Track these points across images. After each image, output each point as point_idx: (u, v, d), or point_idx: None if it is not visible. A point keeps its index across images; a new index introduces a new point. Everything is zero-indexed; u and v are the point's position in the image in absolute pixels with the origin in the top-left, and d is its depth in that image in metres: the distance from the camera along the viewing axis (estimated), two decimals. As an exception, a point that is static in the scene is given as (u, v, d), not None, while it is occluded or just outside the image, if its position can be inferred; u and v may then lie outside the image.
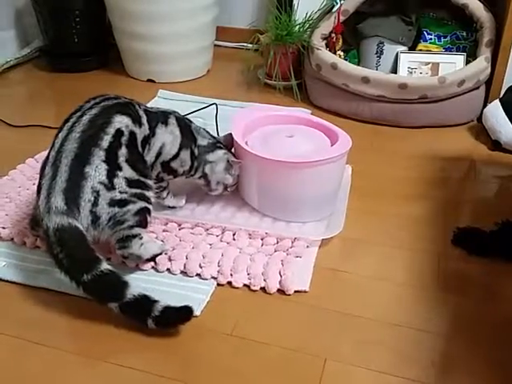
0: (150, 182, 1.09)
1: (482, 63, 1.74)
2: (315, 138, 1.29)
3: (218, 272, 1.09)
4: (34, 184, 1.32)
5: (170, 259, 1.11)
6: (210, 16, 2.11)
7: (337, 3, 1.82)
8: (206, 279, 1.08)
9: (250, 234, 1.19)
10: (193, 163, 1.20)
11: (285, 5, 1.95)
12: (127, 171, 1.02)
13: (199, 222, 1.22)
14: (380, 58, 1.89)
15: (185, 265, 1.10)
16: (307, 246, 1.16)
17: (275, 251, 1.15)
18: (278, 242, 1.17)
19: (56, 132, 1.05)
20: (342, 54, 1.91)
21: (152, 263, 1.11)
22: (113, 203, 1.00)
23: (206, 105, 1.71)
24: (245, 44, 2.11)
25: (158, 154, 1.13)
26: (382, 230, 1.26)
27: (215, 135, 1.30)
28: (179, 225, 1.22)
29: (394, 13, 1.89)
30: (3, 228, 1.20)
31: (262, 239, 1.18)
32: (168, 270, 1.10)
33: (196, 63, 2.17)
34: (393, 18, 1.88)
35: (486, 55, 1.75)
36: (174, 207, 1.26)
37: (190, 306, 0.95)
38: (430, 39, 1.90)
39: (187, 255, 1.12)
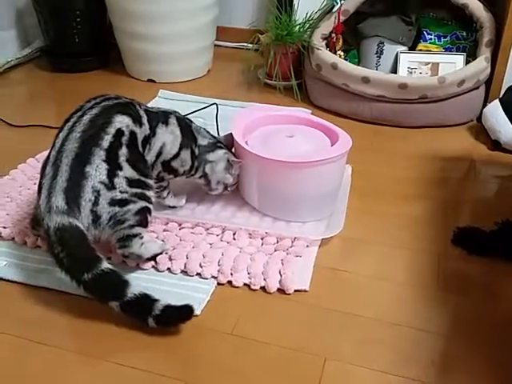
0: (151, 182, 1.09)
1: (481, 63, 1.74)
2: (315, 137, 1.30)
3: (219, 271, 1.09)
4: (34, 183, 1.32)
5: (170, 259, 1.11)
6: (210, 16, 2.11)
7: (337, 3, 1.83)
8: (207, 278, 1.08)
9: (250, 234, 1.19)
10: (193, 163, 1.20)
11: (285, 5, 1.95)
12: (128, 171, 1.03)
13: (199, 221, 1.22)
14: (380, 57, 1.89)
15: (185, 264, 1.10)
16: (307, 246, 1.17)
17: (275, 251, 1.15)
18: (278, 242, 1.17)
19: (57, 132, 1.05)
20: (342, 53, 1.92)
21: (152, 262, 1.11)
22: (113, 203, 1.00)
23: (206, 105, 1.72)
24: (245, 44, 2.11)
25: (159, 154, 1.13)
26: (381, 230, 1.26)
27: (215, 135, 1.30)
28: (179, 224, 1.23)
29: (394, 13, 1.89)
30: (4, 227, 1.21)
31: (262, 239, 1.18)
32: (168, 269, 1.11)
33: (196, 63, 2.17)
34: (393, 18, 1.88)
35: (485, 55, 1.75)
36: (174, 207, 1.27)
37: (191, 305, 0.95)
38: (430, 39, 1.90)
39: (187, 255, 1.12)
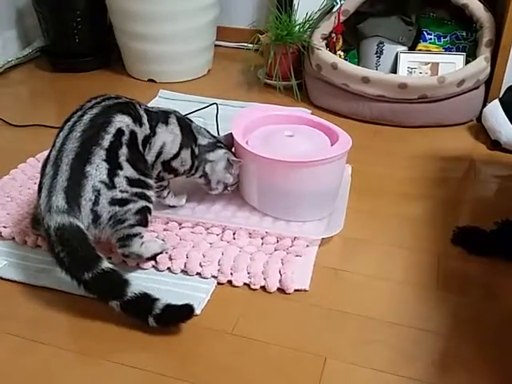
0: (151, 181, 1.09)
1: (481, 63, 1.74)
2: (315, 137, 1.30)
3: (219, 271, 1.09)
4: (35, 183, 1.32)
5: (170, 258, 1.11)
6: (210, 16, 2.11)
7: (337, 3, 1.83)
8: (207, 278, 1.08)
9: (250, 233, 1.19)
10: (193, 162, 1.20)
11: (285, 5, 1.95)
12: (128, 170, 1.03)
13: (200, 221, 1.22)
14: (380, 57, 1.89)
15: (185, 264, 1.10)
16: (307, 245, 1.17)
17: (275, 250, 1.15)
18: (278, 241, 1.17)
19: (57, 131, 1.06)
20: (342, 53, 1.92)
21: (152, 262, 1.11)
22: (113, 202, 1.00)
23: (206, 104, 1.72)
24: (245, 44, 2.11)
25: (159, 154, 1.13)
26: (381, 230, 1.26)
27: (215, 135, 1.30)
28: (180, 224, 1.23)
29: (394, 13, 1.89)
30: (4, 227, 1.21)
31: (262, 238, 1.18)
32: (168, 268, 1.11)
33: (196, 63, 2.17)
34: (393, 18, 1.88)
35: (485, 55, 1.75)
36: (174, 206, 1.27)
37: (191, 304, 0.96)
38: (430, 39, 1.90)
39: (188, 254, 1.12)
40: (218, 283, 1.08)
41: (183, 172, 1.20)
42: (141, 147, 1.08)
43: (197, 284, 1.07)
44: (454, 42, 1.89)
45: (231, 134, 1.27)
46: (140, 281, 1.05)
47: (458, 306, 1.03)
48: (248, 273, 1.09)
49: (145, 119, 1.10)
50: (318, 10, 1.92)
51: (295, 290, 1.06)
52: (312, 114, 1.72)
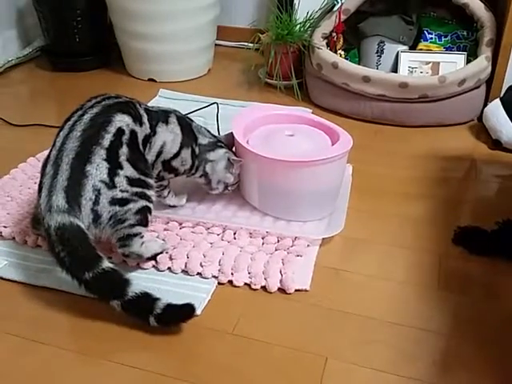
0: (151, 181, 1.09)
1: (482, 62, 1.74)
2: (316, 137, 1.30)
3: (219, 271, 1.09)
4: (35, 183, 1.32)
5: (170, 258, 1.11)
6: (210, 15, 2.11)
7: (338, 2, 1.82)
8: (207, 278, 1.08)
9: (250, 233, 1.19)
10: (193, 162, 1.20)
11: (285, 4, 1.95)
12: (128, 170, 1.03)
13: (200, 220, 1.22)
14: (381, 57, 1.89)
15: (186, 264, 1.10)
16: (308, 245, 1.17)
17: (276, 250, 1.15)
18: (278, 241, 1.17)
19: (57, 131, 1.05)
20: (342, 53, 1.91)
21: (153, 262, 1.11)
22: (114, 202, 1.00)
23: (206, 104, 1.72)
24: (246, 43, 2.10)
25: (159, 153, 1.13)
26: (382, 230, 1.26)
27: (216, 134, 1.30)
28: (180, 224, 1.23)
29: (395, 12, 1.89)
30: (5, 227, 1.21)
31: (262, 238, 1.18)
32: (169, 268, 1.11)
33: (197, 62, 2.17)
34: (393, 18, 1.88)
35: (486, 54, 1.75)
36: (174, 206, 1.27)
37: (192, 304, 0.95)
38: (431, 38, 1.90)
39: (188, 254, 1.12)
40: (219, 283, 1.08)
41: (183, 171, 1.20)
42: (141, 147, 1.08)
43: (197, 284, 1.07)
44: (455, 41, 1.89)
45: (232, 133, 1.27)
46: (140, 281, 1.05)
47: (459, 306, 1.03)
48: (249, 273, 1.09)
49: (145, 119, 1.10)
50: (319, 9, 1.92)
51: (296, 290, 1.06)
52: (313, 113, 1.72)
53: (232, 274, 1.08)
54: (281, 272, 1.08)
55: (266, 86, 2.04)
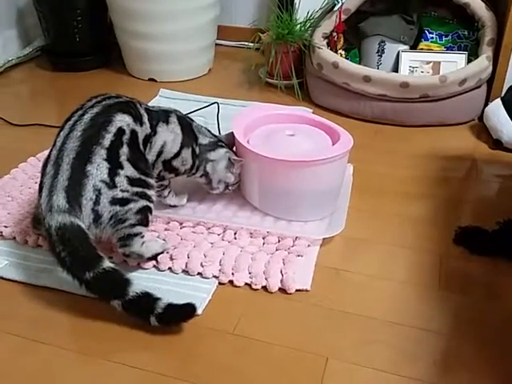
0: (152, 181, 1.09)
1: (483, 62, 1.74)
2: (317, 137, 1.29)
3: (220, 271, 1.09)
4: (35, 183, 1.32)
5: (171, 258, 1.11)
6: (211, 15, 2.11)
7: (338, 2, 1.82)
8: (208, 278, 1.08)
9: (251, 233, 1.19)
10: (194, 162, 1.20)
11: (286, 4, 1.95)
12: (129, 170, 1.02)
13: (201, 220, 1.22)
14: (381, 56, 1.88)
15: (186, 264, 1.10)
16: (309, 245, 1.16)
17: (277, 250, 1.15)
18: (279, 241, 1.17)
19: (58, 131, 1.05)
20: (343, 52, 1.91)
21: (153, 262, 1.11)
22: (114, 202, 1.00)
23: (207, 104, 1.72)
24: (246, 43, 2.10)
25: (160, 153, 1.13)
26: (383, 229, 1.26)
27: (216, 134, 1.30)
28: (181, 223, 1.22)
29: (396, 12, 1.89)
30: (5, 227, 1.21)
31: (263, 238, 1.18)
32: (169, 268, 1.10)
33: (197, 62, 2.17)
34: (394, 17, 1.88)
35: (487, 54, 1.75)
36: (175, 206, 1.27)
37: (193, 304, 0.96)
38: (432, 38, 1.90)
39: (189, 254, 1.12)
40: (220, 283, 1.08)
41: (184, 171, 1.20)
42: (141, 146, 1.08)
43: (198, 284, 1.07)
44: (456, 40, 1.89)
45: (232, 133, 1.27)
46: (141, 281, 1.04)
47: (460, 306, 1.03)
48: (249, 273, 1.09)
49: (145, 118, 1.10)
50: (320, 9, 1.92)
51: (296, 290, 1.06)
52: (313, 113, 1.72)
53: (233, 273, 1.08)
54: (281, 272, 1.08)
55: (266, 86, 2.04)
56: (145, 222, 1.06)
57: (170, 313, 0.94)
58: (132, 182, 1.02)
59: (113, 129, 1.02)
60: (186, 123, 1.19)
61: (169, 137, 1.14)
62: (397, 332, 0.97)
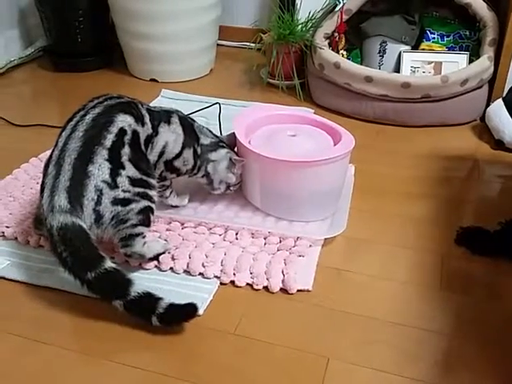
0: (153, 181, 1.09)
1: (485, 62, 1.73)
2: (318, 137, 1.29)
3: (221, 271, 1.09)
4: (37, 183, 1.32)
5: (173, 258, 1.11)
6: (212, 15, 2.11)
7: (340, 2, 1.82)
8: (209, 278, 1.08)
9: (252, 234, 1.19)
10: (196, 162, 1.20)
11: (288, 4, 1.95)
12: (130, 170, 1.03)
13: (202, 221, 1.22)
14: (383, 57, 1.88)
15: (188, 264, 1.10)
16: (310, 245, 1.16)
17: (278, 250, 1.15)
18: (280, 241, 1.17)
19: (59, 131, 1.05)
20: (344, 53, 1.91)
21: (155, 262, 1.11)
22: (116, 202, 1.00)
23: (209, 104, 1.72)
24: (248, 43, 2.10)
25: (161, 153, 1.13)
26: (385, 230, 1.25)
27: (218, 134, 1.30)
28: (182, 224, 1.23)
29: (397, 12, 1.89)
30: (7, 227, 1.21)
31: (264, 238, 1.18)
32: (171, 269, 1.11)
33: (199, 63, 2.17)
34: (396, 18, 1.88)
35: (489, 54, 1.75)
36: (177, 206, 1.27)
37: (195, 304, 0.95)
38: (433, 38, 1.90)
39: (190, 254, 1.12)
40: (221, 283, 1.08)
41: (185, 172, 1.20)
42: (143, 147, 1.08)
43: (199, 284, 1.07)
44: (458, 41, 1.89)
45: (234, 133, 1.27)
46: (142, 281, 1.04)
47: (462, 306, 1.03)
48: (251, 273, 1.09)
49: (147, 119, 1.10)
50: (321, 9, 1.92)
51: (298, 291, 1.06)
52: (315, 113, 1.72)
53: (234, 274, 1.08)
54: (283, 272, 1.08)
55: (267, 86, 2.04)
56: (146, 223, 1.06)
57: (172, 313, 0.94)
58: (133, 182, 1.03)
59: (114, 129, 1.02)
60: (187, 123, 1.19)
61: (170, 137, 1.14)
62: (398, 332, 0.97)
